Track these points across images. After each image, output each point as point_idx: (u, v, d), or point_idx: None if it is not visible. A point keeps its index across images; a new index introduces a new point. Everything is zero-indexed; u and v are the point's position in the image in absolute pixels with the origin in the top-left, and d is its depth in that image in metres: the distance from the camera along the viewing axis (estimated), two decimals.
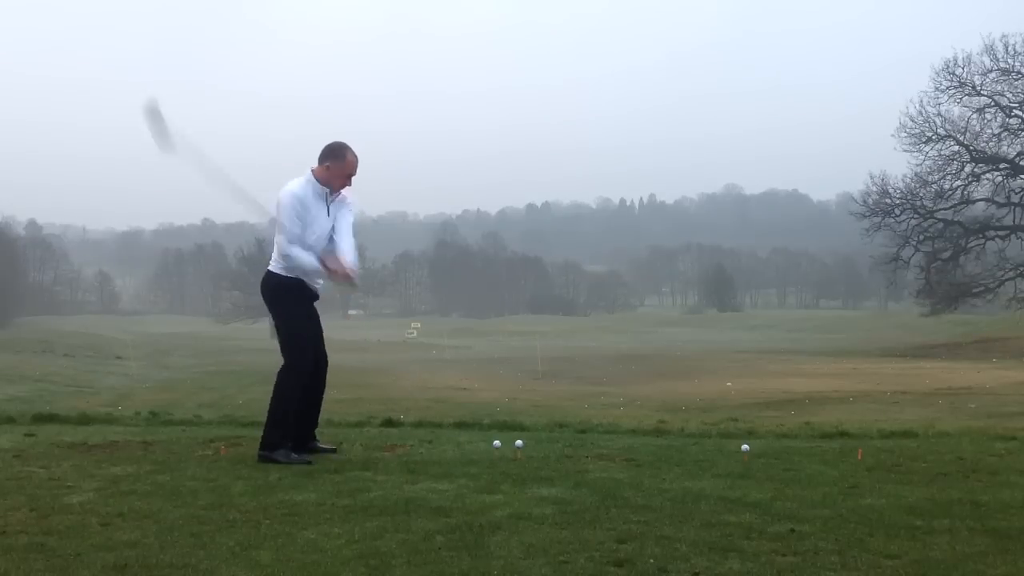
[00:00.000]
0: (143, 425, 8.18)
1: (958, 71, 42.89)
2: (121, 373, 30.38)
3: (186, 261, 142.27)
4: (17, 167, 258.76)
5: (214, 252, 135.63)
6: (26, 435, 6.67)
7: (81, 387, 24.42)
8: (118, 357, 37.40)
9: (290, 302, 5.59)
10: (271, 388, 5.61)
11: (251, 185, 5.61)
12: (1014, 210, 45.28)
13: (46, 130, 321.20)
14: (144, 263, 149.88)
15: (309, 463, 5.36)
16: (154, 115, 5.39)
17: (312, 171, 5.56)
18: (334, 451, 5.78)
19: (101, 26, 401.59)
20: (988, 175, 45.82)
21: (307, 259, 5.47)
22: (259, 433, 5.70)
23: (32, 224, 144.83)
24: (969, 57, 42.88)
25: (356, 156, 5.63)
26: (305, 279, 5.59)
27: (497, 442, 5.85)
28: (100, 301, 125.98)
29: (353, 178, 5.64)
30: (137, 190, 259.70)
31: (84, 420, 8.40)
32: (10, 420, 8.12)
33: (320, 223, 5.55)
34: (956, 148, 44.78)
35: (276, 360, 5.56)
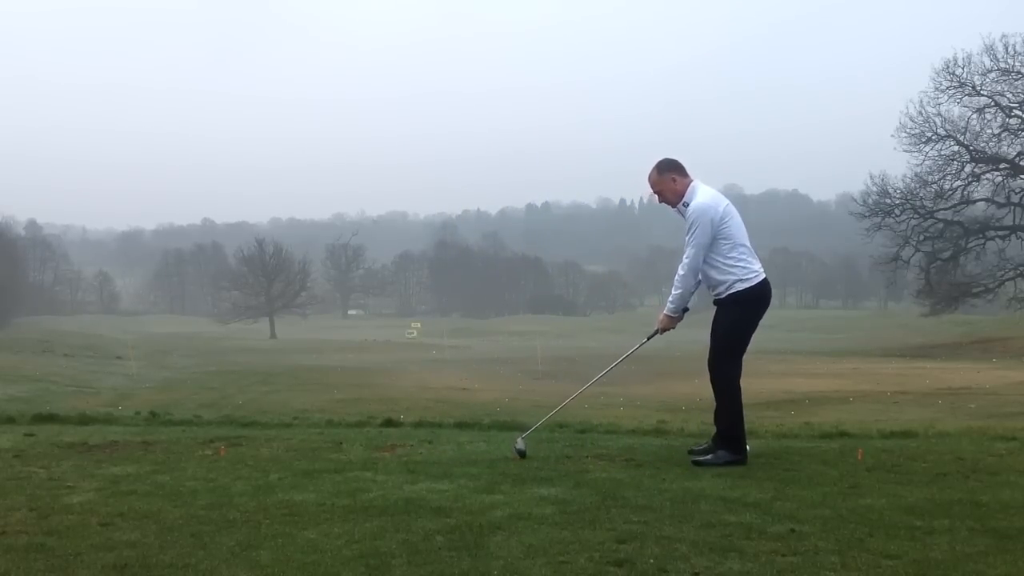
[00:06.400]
0: (143, 425, 8.20)
1: (958, 71, 42.96)
2: (121, 373, 30.30)
3: (186, 261, 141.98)
4: (18, 168, 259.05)
5: (214, 252, 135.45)
6: (26, 435, 6.68)
7: (81, 387, 24.35)
8: (118, 357, 37.31)
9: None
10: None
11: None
12: (1014, 210, 45.30)
13: (46, 131, 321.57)
14: (144, 263, 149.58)
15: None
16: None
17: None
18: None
19: (107, 31, 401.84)
20: (988, 175, 45.86)
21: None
22: (259, 433, 5.68)
23: (32, 224, 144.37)
24: (969, 57, 42.94)
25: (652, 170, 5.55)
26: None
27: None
28: (100, 301, 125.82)
29: (657, 196, 5.56)
30: (137, 190, 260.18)
31: (84, 420, 8.43)
32: (10, 420, 8.14)
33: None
34: (956, 148, 44.82)
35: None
